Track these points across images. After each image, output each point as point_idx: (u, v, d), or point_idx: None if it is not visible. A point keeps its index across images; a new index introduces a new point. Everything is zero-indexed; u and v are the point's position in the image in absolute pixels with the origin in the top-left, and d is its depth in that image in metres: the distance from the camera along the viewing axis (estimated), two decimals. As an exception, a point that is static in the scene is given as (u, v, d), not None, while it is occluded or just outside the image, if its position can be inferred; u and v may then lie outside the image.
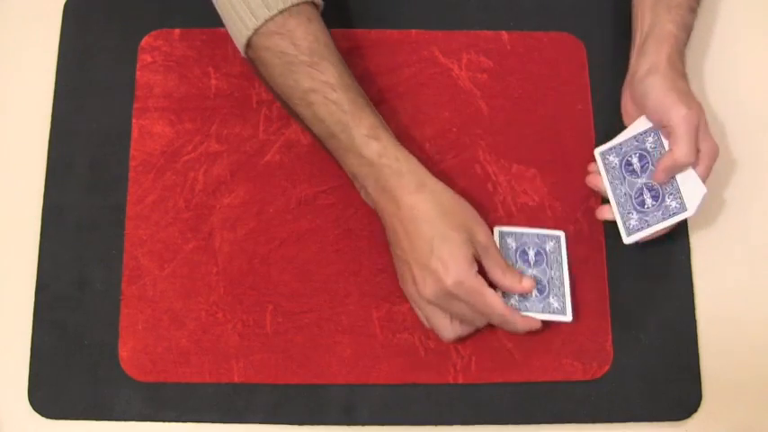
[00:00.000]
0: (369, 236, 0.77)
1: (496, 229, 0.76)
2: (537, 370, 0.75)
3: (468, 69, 0.81)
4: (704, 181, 0.72)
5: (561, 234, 0.76)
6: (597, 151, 0.77)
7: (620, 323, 0.76)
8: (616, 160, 0.76)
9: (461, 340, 0.73)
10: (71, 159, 0.78)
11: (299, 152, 0.79)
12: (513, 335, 0.74)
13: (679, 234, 0.78)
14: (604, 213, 0.76)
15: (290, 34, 0.67)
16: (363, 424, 0.73)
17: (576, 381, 0.74)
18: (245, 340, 0.74)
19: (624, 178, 0.75)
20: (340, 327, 0.75)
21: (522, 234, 0.76)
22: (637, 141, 0.75)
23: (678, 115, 0.70)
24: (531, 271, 0.74)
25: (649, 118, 0.74)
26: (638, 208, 0.74)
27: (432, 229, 0.68)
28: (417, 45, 0.82)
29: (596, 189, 0.77)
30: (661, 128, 0.73)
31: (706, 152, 0.72)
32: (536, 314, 0.73)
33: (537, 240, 0.76)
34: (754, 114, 0.83)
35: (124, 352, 0.74)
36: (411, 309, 0.74)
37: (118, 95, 0.79)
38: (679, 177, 0.73)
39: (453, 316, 0.70)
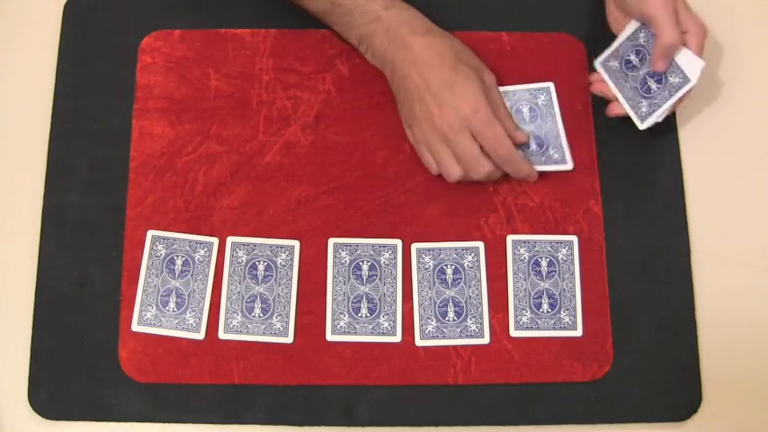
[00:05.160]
0: (368, 236, 0.77)
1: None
2: (537, 371, 0.75)
3: (469, 70, 0.81)
4: (700, 56, 0.74)
5: (550, 85, 0.80)
6: (598, 62, 0.80)
7: (620, 324, 0.76)
8: (616, 63, 0.79)
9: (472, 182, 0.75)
10: (71, 159, 0.78)
11: (298, 153, 0.79)
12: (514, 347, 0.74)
13: (679, 234, 0.78)
14: (615, 109, 0.78)
15: None
16: (363, 425, 0.73)
17: (576, 382, 0.74)
18: (244, 341, 0.74)
19: (627, 75, 0.78)
20: (340, 328, 0.75)
21: (515, 92, 0.79)
22: (630, 41, 0.78)
23: (653, 3, 0.73)
24: (528, 127, 0.78)
25: (632, 16, 0.77)
26: (646, 95, 0.77)
27: (449, 63, 0.73)
28: (417, 45, 0.82)
29: (602, 95, 0.79)
30: (646, 21, 0.75)
31: (693, 30, 0.74)
32: (538, 167, 0.77)
33: (529, 96, 0.79)
34: (755, 113, 0.83)
35: (124, 353, 0.74)
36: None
37: (118, 96, 0.79)
38: (677, 59, 0.75)
39: (459, 157, 0.73)
